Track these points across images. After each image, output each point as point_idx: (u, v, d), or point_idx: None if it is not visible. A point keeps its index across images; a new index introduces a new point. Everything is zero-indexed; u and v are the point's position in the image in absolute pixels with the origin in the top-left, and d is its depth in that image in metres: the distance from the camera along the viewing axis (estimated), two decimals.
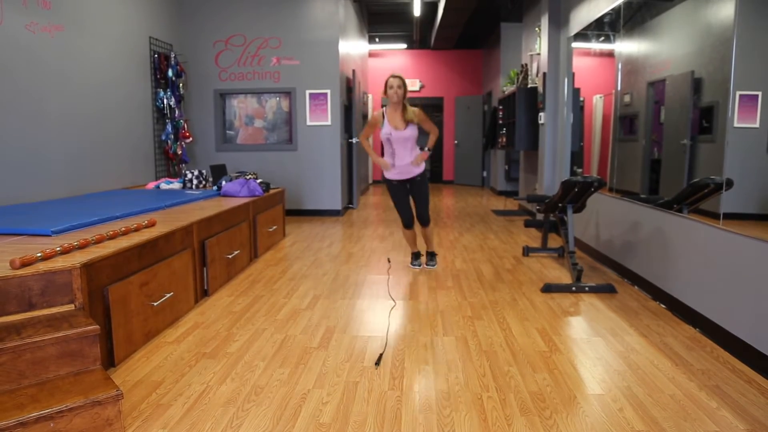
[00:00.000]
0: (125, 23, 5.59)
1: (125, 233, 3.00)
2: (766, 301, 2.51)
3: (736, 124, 2.84)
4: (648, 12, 4.04)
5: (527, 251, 4.97)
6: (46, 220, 3.20)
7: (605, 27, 4.79)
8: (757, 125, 2.81)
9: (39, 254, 2.38)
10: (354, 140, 7.94)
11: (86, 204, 4.00)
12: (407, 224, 4.42)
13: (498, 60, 9.82)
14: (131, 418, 2.13)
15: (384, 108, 4.22)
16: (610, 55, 4.87)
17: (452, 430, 2.04)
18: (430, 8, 9.80)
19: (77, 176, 4.80)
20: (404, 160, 4.16)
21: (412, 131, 4.13)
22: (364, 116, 9.79)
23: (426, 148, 4.20)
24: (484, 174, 11.89)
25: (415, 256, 4.59)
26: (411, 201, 4.39)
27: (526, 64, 7.39)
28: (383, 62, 12.31)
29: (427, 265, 4.56)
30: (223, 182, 5.21)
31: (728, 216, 2.89)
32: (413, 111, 4.11)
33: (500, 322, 3.21)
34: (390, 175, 4.28)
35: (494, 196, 10.02)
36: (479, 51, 12.30)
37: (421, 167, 4.25)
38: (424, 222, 4.42)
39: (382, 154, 4.33)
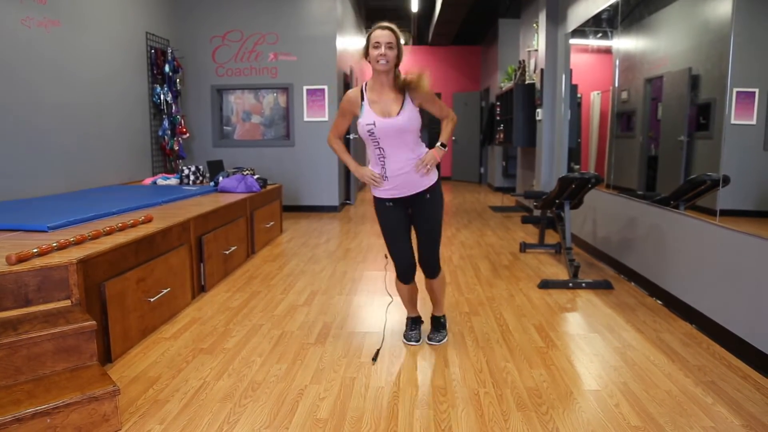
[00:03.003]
0: (122, 18, 5.57)
1: (122, 229, 2.99)
2: (762, 298, 2.52)
3: (733, 121, 2.84)
4: (646, 8, 4.03)
5: (524, 247, 4.98)
6: (42, 215, 3.20)
7: (603, 23, 4.79)
8: (754, 122, 2.82)
9: (35, 250, 2.37)
10: (351, 136, 7.88)
11: (83, 200, 3.98)
12: (404, 275, 2.70)
13: (496, 56, 9.81)
14: (128, 413, 2.13)
15: (362, 85, 2.57)
16: (607, 51, 4.86)
17: (449, 426, 2.05)
18: (427, 4, 9.78)
19: (73, 172, 4.78)
20: (401, 166, 2.53)
21: (410, 117, 2.48)
22: None
23: (439, 144, 2.60)
24: (482, 170, 11.88)
25: (413, 322, 2.92)
26: (413, 233, 2.72)
27: (524, 61, 7.39)
28: None
29: (430, 339, 2.85)
30: (220, 178, 5.19)
31: (725, 213, 2.89)
32: (413, 77, 2.46)
33: (497, 318, 3.22)
34: (380, 192, 2.62)
35: (491, 193, 10.03)
36: (477, 47, 12.29)
37: (432, 177, 2.63)
38: (431, 270, 2.75)
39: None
